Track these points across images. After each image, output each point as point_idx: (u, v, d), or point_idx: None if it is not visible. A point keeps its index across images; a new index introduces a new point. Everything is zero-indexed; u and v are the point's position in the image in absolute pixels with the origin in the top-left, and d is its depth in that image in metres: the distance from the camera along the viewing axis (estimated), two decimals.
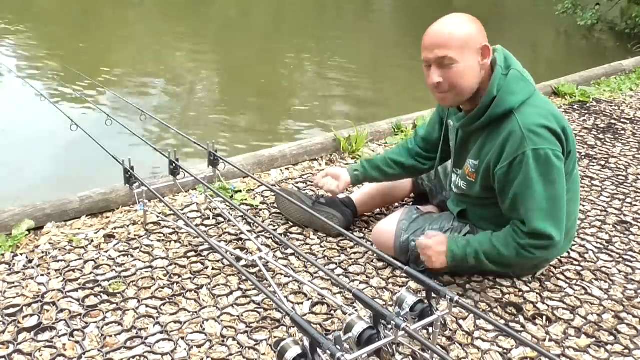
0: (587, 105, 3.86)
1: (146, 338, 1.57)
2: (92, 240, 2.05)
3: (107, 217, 2.26)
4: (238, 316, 1.68)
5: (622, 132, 3.39)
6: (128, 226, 2.15)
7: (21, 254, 1.95)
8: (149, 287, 1.79)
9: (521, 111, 1.62)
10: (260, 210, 2.32)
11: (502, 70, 1.64)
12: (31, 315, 1.65)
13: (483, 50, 1.61)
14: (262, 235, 2.12)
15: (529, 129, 1.59)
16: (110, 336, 1.58)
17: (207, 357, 1.52)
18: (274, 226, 2.20)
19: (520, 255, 1.65)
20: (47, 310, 1.67)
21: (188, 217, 2.22)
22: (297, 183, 2.59)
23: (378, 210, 2.30)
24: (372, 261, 1.98)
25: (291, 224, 2.20)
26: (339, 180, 2.09)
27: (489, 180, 1.71)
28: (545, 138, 1.60)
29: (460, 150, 1.82)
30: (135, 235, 2.09)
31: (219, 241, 2.06)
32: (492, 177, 1.68)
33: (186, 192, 2.44)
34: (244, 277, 1.83)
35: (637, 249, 2.12)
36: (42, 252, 1.97)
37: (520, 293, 1.83)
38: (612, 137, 3.29)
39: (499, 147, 1.64)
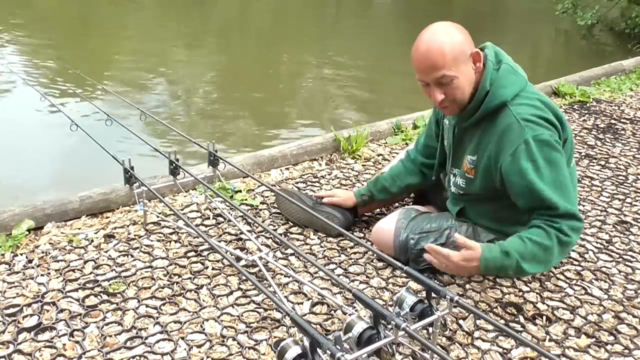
0: (587, 105, 3.86)
1: (146, 338, 1.57)
2: (92, 240, 2.05)
3: (107, 217, 2.26)
4: (238, 316, 1.68)
5: (622, 132, 3.39)
6: (128, 226, 2.15)
7: (21, 254, 1.95)
8: (149, 287, 1.79)
9: (515, 103, 1.66)
10: (260, 210, 2.32)
11: (493, 65, 1.69)
12: (31, 315, 1.65)
13: (474, 57, 1.65)
14: (262, 235, 2.12)
15: (526, 119, 1.64)
16: (110, 336, 1.58)
17: (207, 357, 1.52)
18: (274, 226, 2.20)
19: (561, 242, 1.64)
20: (47, 310, 1.67)
21: (188, 217, 2.22)
22: (297, 183, 2.59)
23: (378, 210, 2.30)
24: (372, 261, 1.98)
25: (291, 224, 2.20)
26: (344, 203, 2.14)
27: (489, 174, 1.72)
28: (542, 125, 1.64)
29: (457, 148, 1.83)
30: (135, 235, 2.09)
31: (219, 241, 2.06)
32: (495, 171, 1.70)
33: (186, 192, 2.44)
34: (244, 277, 1.83)
35: (637, 249, 2.12)
36: (42, 252, 1.97)
37: (520, 293, 1.83)
38: (612, 137, 3.29)
39: (497, 140, 1.67)
